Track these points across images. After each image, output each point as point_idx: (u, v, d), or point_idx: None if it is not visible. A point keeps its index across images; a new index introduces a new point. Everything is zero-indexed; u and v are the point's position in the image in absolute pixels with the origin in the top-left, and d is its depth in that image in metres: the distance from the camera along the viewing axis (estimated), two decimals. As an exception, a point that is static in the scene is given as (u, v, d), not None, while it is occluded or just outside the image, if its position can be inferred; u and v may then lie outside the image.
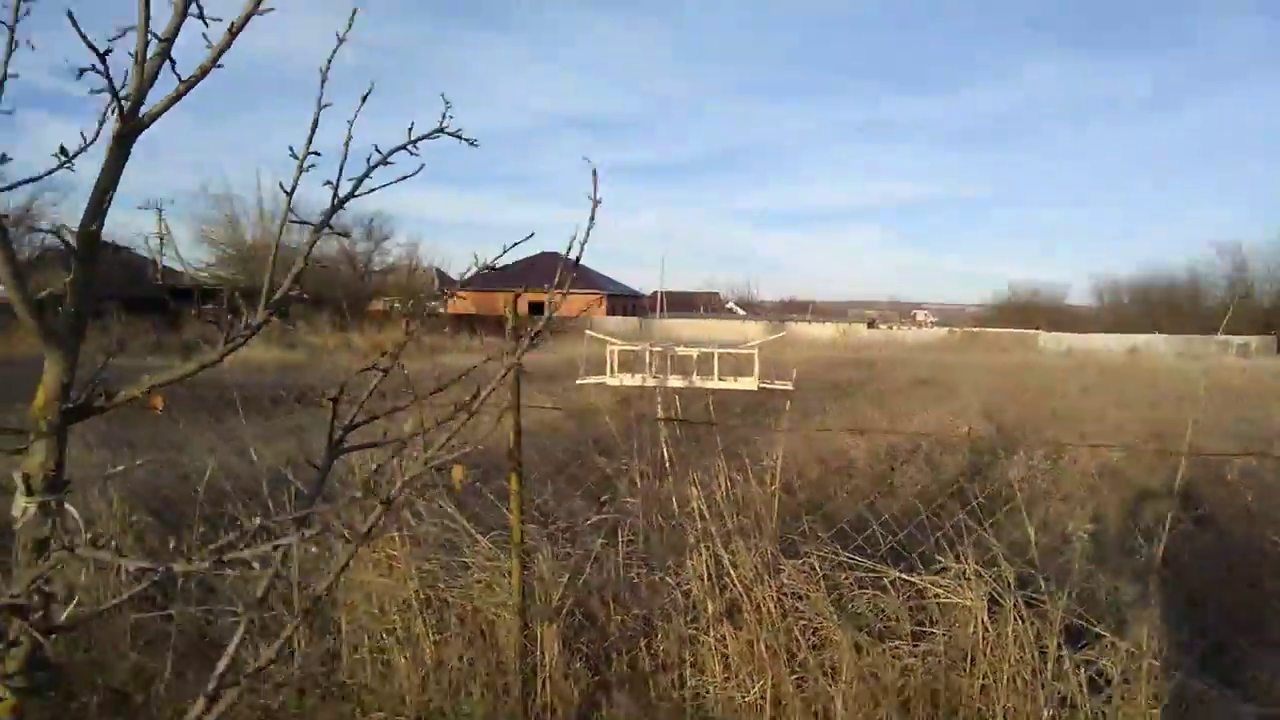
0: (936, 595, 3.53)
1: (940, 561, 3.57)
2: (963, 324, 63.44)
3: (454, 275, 58.66)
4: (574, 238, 2.19)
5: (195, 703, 1.71)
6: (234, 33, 1.68)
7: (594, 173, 2.03)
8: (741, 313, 79.60)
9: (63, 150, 1.65)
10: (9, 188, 2.25)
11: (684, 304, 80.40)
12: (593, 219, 2.05)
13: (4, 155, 1.38)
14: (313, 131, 1.90)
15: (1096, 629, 3.32)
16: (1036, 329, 50.45)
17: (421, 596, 4.03)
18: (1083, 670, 3.25)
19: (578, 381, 4.63)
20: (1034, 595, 3.39)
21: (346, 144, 2.00)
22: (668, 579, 3.81)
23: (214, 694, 1.72)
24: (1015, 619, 3.34)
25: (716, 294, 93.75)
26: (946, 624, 3.50)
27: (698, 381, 4.08)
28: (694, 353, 4.09)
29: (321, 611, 4.35)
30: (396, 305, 46.37)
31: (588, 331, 4.37)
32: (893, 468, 8.94)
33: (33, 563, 1.63)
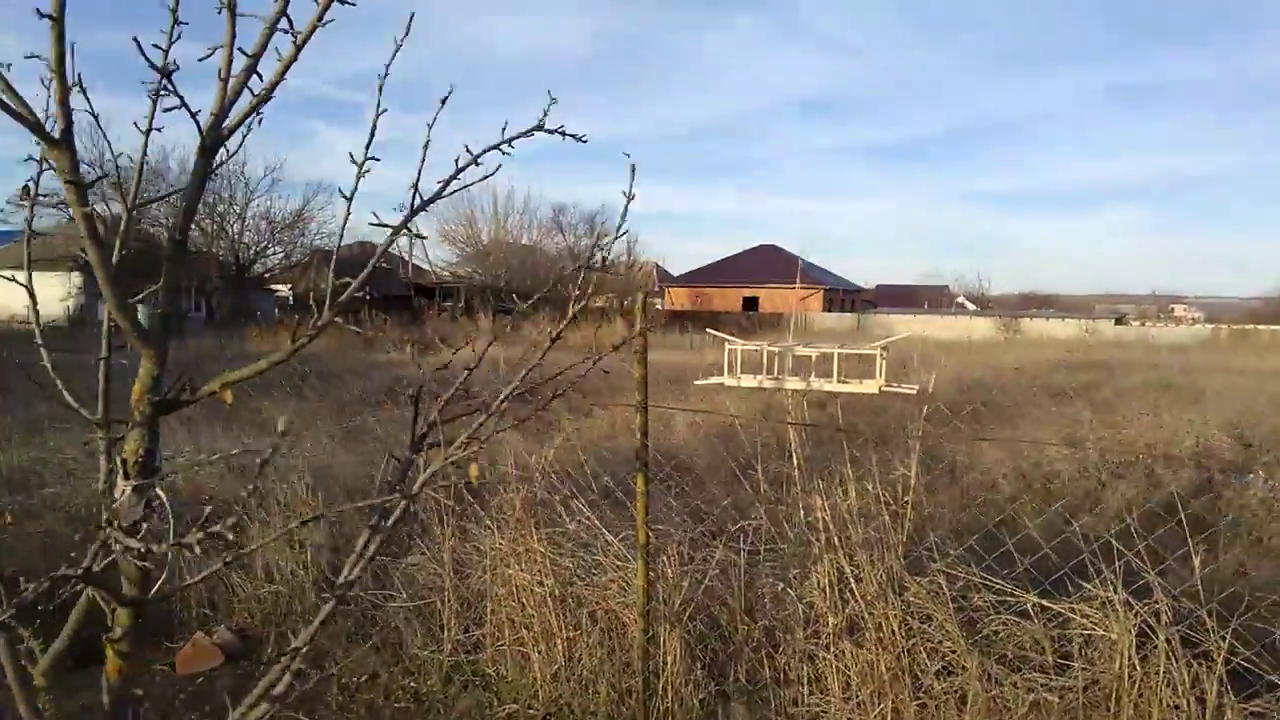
0: (1081, 626, 3.21)
1: (1087, 588, 3.24)
2: (1233, 320, 56.63)
3: (673, 271, 59.70)
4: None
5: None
6: (299, 46, 1.80)
7: (632, 168, 2.02)
8: (971, 307, 75.37)
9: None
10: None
11: (905, 298, 77.28)
12: (624, 215, 2.05)
13: (27, 187, 1.56)
14: (372, 135, 1.97)
15: (1270, 676, 2.89)
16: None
17: (556, 594, 4.15)
18: (1247, 722, 2.84)
19: (696, 383, 4.58)
20: (1191, 633, 3.00)
21: (425, 146, 2.07)
22: (789, 590, 3.70)
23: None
24: (1168, 657, 2.98)
25: (945, 287, 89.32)
26: (1089, 658, 3.17)
27: (815, 383, 3.93)
28: (813, 353, 3.92)
29: (472, 603, 4.60)
30: (618, 301, 47.75)
31: (709, 331, 4.32)
32: (1102, 483, 8.18)
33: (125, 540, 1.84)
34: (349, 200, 2.08)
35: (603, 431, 10.78)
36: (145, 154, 1.84)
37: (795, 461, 3.73)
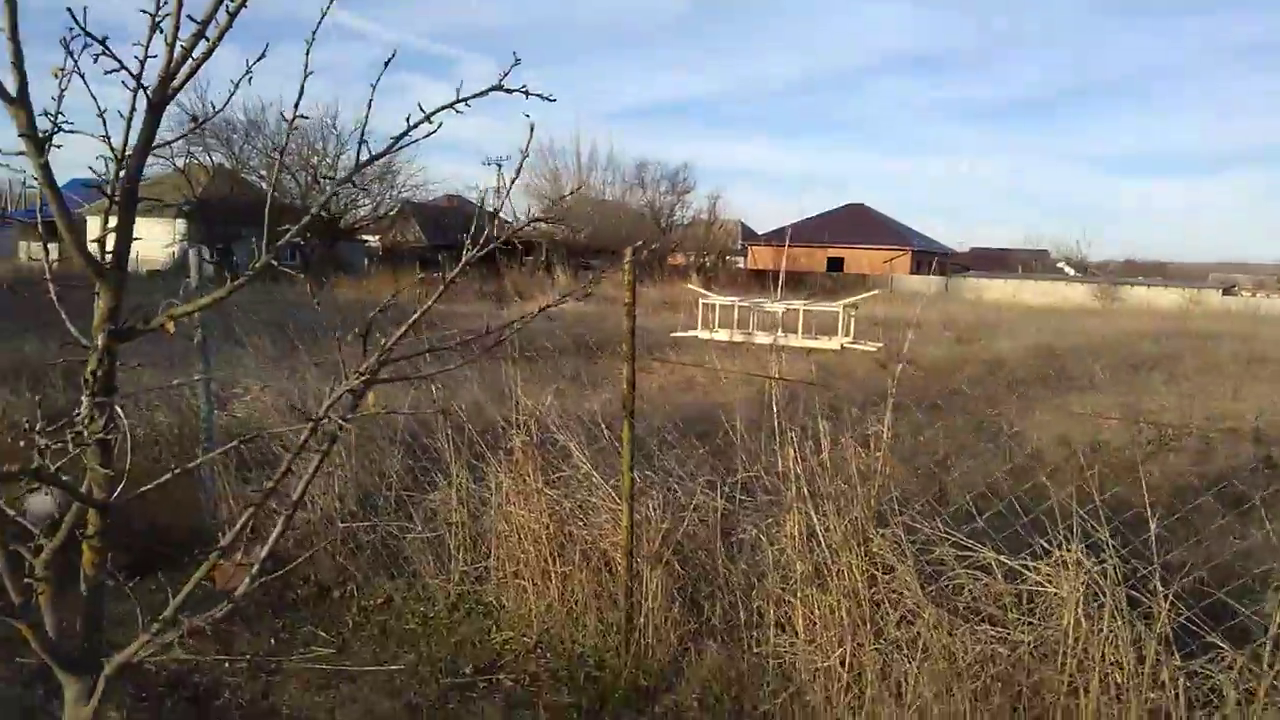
0: (1035, 582, 3.27)
1: (1044, 545, 3.28)
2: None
3: (757, 230, 59.09)
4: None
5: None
6: (232, 15, 1.99)
7: (531, 128, 2.16)
8: (1071, 272, 72.47)
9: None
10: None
11: (1000, 262, 74.75)
12: (517, 173, 2.19)
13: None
14: (300, 95, 2.12)
15: (1210, 637, 2.92)
16: None
17: (552, 532, 4.37)
18: (1181, 681, 2.87)
19: (673, 334, 4.64)
20: (1137, 593, 3.04)
21: (367, 116, 2.23)
22: (761, 536, 3.84)
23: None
24: (1112, 615, 3.02)
25: (1045, 251, 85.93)
26: (1042, 614, 3.23)
27: (782, 339, 3.94)
28: (781, 309, 3.89)
29: (479, 537, 4.86)
30: (696, 258, 47.60)
31: (689, 285, 4.31)
32: (1156, 450, 7.98)
33: (94, 452, 2.10)
34: (279, 157, 2.26)
35: (651, 386, 10.99)
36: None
37: (775, 414, 3.83)
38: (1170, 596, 2.94)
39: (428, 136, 2.19)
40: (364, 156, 2.18)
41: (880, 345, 4.16)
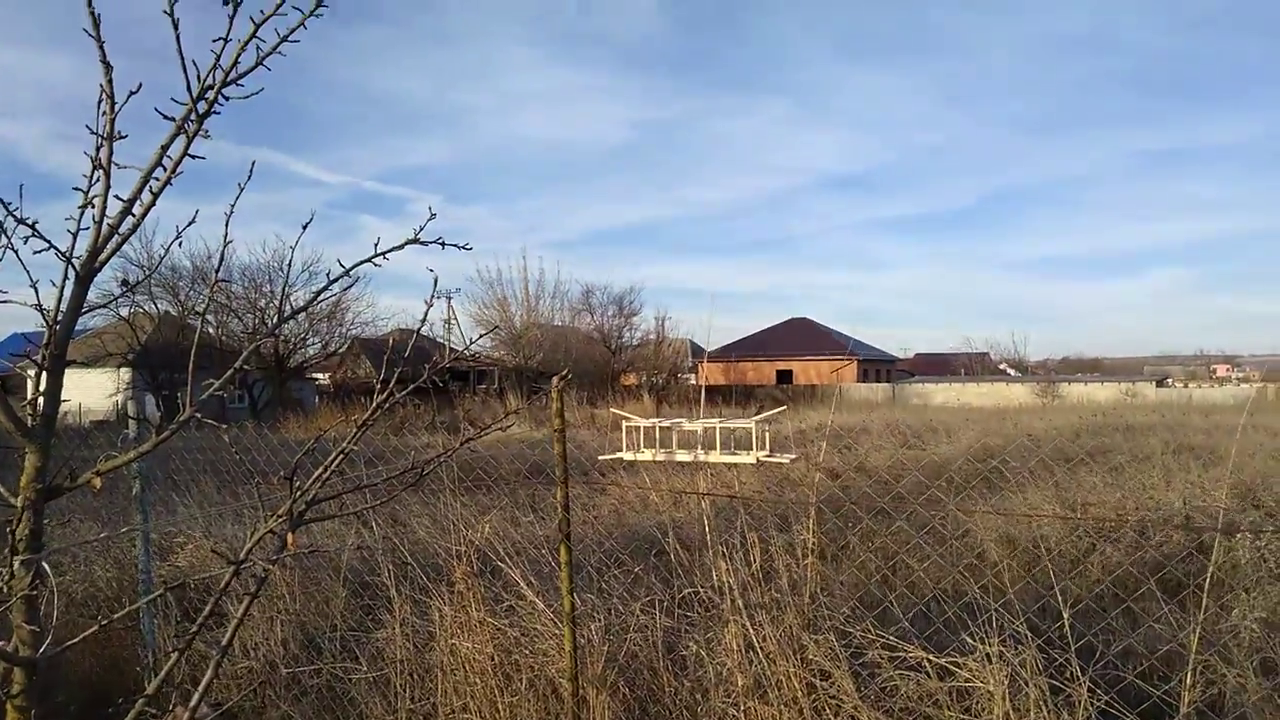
0: (963, 679, 3.37)
1: (969, 641, 3.40)
2: (1284, 378, 55.21)
3: (706, 347, 60.08)
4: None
5: None
6: (155, 195, 2.18)
7: (434, 280, 2.34)
8: (1012, 373, 74.40)
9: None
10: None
11: (943, 366, 76.54)
12: (438, 320, 2.36)
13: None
14: (220, 261, 2.30)
15: (1129, 718, 3.03)
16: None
17: (496, 661, 4.37)
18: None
19: (600, 457, 4.78)
20: (1058, 680, 3.15)
21: (288, 265, 2.39)
22: (702, 652, 3.89)
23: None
24: (1037, 706, 3.13)
25: (986, 354, 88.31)
26: (973, 709, 3.32)
27: (701, 455, 4.09)
28: (698, 427, 4.04)
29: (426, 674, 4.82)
30: (647, 378, 48.06)
31: (613, 410, 4.47)
32: (1093, 544, 8.19)
33: (20, 609, 2.15)
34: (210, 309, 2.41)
35: (605, 509, 11.01)
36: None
37: (706, 529, 3.96)
38: (1087, 682, 3.06)
39: (347, 290, 2.37)
40: (310, 295, 2.33)
41: (795, 457, 4.29)
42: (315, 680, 5.05)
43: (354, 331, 42.68)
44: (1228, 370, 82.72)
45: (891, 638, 3.53)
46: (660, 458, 4.37)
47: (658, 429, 4.32)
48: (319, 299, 2.39)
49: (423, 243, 2.37)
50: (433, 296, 2.41)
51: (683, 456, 4.20)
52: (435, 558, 4.97)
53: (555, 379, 4.00)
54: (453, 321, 57.25)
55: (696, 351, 61.00)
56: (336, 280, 2.36)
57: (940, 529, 8.29)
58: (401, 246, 2.34)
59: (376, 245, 2.34)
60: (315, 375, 46.47)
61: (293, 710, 5.02)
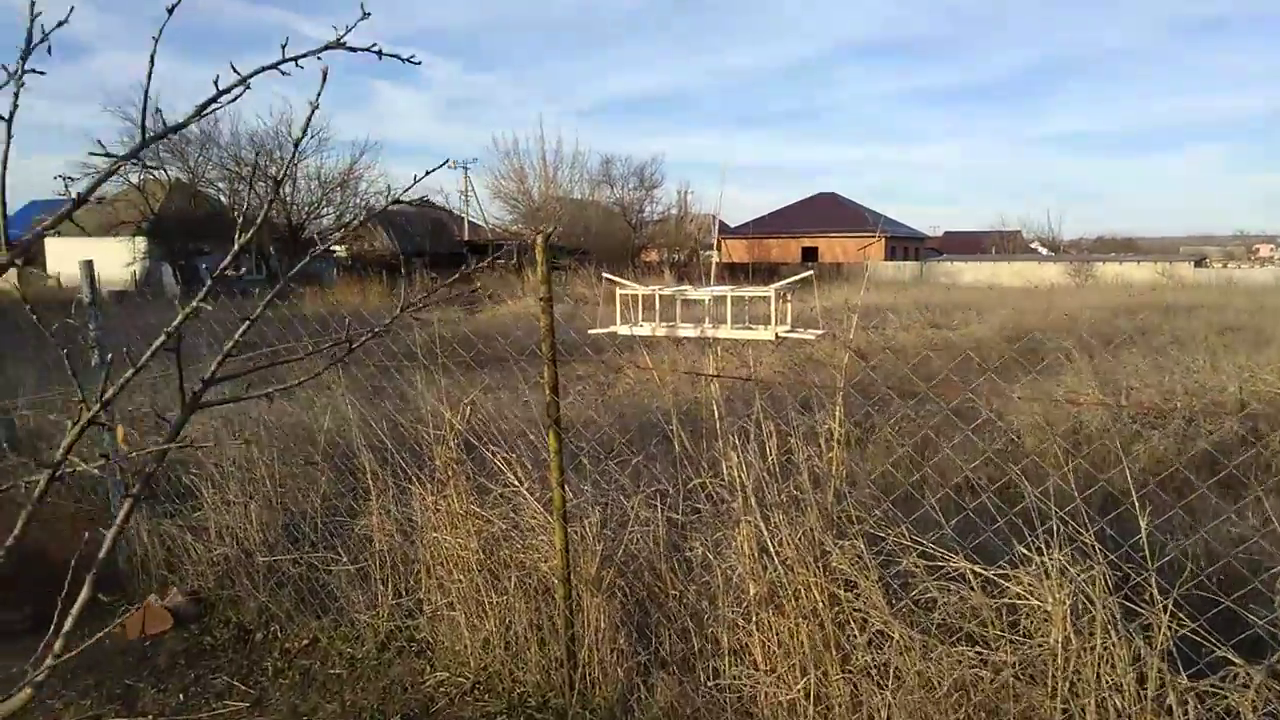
0: (1019, 595, 2.86)
1: (1023, 551, 2.88)
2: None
3: (730, 223, 58.75)
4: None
5: None
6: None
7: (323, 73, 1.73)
8: (1045, 252, 72.60)
9: None
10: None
11: (973, 245, 74.77)
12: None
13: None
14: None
15: (1220, 651, 2.52)
16: None
17: (480, 557, 3.94)
18: (1191, 705, 2.48)
19: (590, 332, 4.11)
20: (1132, 603, 2.64)
21: (149, 77, 1.83)
22: (710, 555, 3.41)
23: None
24: (1105, 631, 2.62)
25: (1018, 232, 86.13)
26: (1027, 631, 2.83)
27: (710, 330, 3.51)
28: (706, 296, 3.47)
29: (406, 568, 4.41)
30: (669, 254, 47.08)
31: (604, 276, 3.89)
32: (1138, 433, 7.64)
33: None
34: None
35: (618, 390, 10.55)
36: None
37: (717, 415, 3.42)
38: (1169, 606, 2.55)
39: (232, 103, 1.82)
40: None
41: (821, 332, 3.74)
42: (295, 570, 4.67)
43: (370, 200, 41.60)
44: (1271, 250, 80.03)
45: (929, 544, 3.02)
46: (661, 332, 3.77)
47: (658, 298, 3.71)
48: (205, 111, 1.81)
49: (352, 49, 1.83)
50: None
51: (687, 331, 3.60)
52: (420, 440, 4.48)
53: (538, 236, 3.39)
54: (470, 193, 56.01)
55: (721, 228, 59.64)
56: (230, 89, 1.79)
57: (978, 413, 7.75)
58: (323, 49, 1.81)
59: (284, 49, 1.79)
60: (334, 248, 45.82)
61: (271, 602, 4.66)
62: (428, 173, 2.02)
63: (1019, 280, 44.82)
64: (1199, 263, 50.00)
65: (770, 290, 3.30)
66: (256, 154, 37.82)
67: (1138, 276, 43.00)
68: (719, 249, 57.39)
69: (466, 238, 49.77)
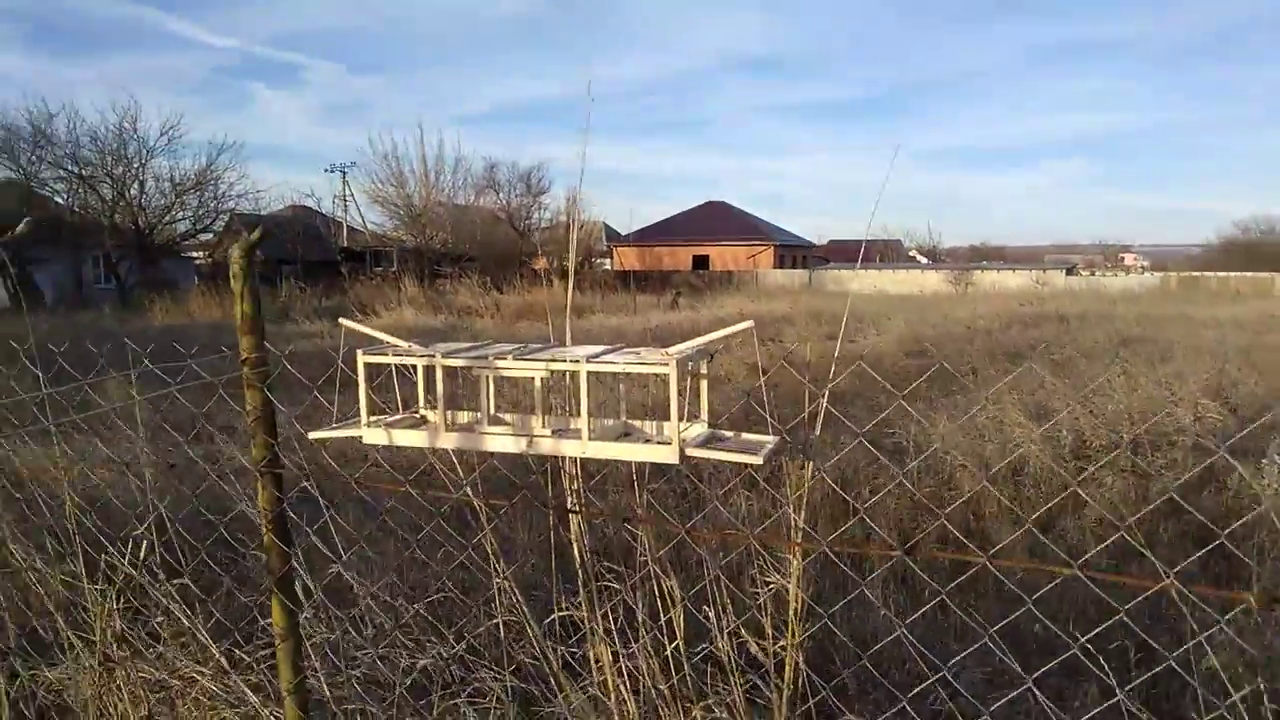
0: None
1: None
2: (1179, 268, 55.40)
3: (620, 231, 57.48)
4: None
5: None
6: None
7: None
8: (924, 261, 74.09)
9: None
10: None
11: (854, 253, 75.68)
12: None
13: None
14: None
15: None
16: (1275, 272, 43.46)
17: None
18: None
19: (312, 435, 2.10)
20: None
21: None
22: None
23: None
24: None
25: (897, 241, 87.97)
26: None
27: (544, 443, 1.71)
28: (539, 372, 1.76)
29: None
30: (558, 262, 45.35)
31: (342, 321, 2.07)
32: (1082, 469, 6.48)
33: None
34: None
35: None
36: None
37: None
38: None
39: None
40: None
41: (770, 448, 2.34)
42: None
43: (231, 206, 38.46)
44: (1134, 259, 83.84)
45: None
46: (452, 441, 1.80)
47: (439, 368, 1.76)
48: None
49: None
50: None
51: (502, 443, 1.68)
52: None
53: (235, 245, 1.81)
54: (349, 198, 53.02)
55: (611, 235, 58.31)
56: None
57: (901, 443, 6.49)
58: None
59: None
60: (194, 255, 42.26)
61: None
62: None
63: (903, 288, 45.15)
64: (1070, 270, 51.43)
65: (668, 363, 1.52)
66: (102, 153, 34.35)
67: (1013, 283, 43.79)
68: (612, 257, 56.10)
69: (345, 244, 47.09)
